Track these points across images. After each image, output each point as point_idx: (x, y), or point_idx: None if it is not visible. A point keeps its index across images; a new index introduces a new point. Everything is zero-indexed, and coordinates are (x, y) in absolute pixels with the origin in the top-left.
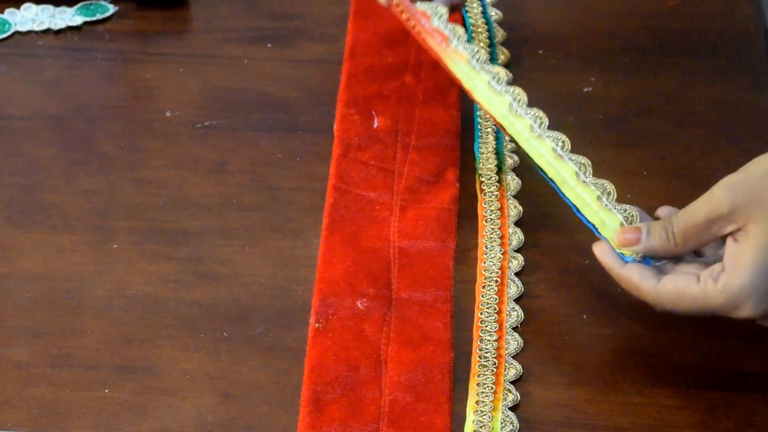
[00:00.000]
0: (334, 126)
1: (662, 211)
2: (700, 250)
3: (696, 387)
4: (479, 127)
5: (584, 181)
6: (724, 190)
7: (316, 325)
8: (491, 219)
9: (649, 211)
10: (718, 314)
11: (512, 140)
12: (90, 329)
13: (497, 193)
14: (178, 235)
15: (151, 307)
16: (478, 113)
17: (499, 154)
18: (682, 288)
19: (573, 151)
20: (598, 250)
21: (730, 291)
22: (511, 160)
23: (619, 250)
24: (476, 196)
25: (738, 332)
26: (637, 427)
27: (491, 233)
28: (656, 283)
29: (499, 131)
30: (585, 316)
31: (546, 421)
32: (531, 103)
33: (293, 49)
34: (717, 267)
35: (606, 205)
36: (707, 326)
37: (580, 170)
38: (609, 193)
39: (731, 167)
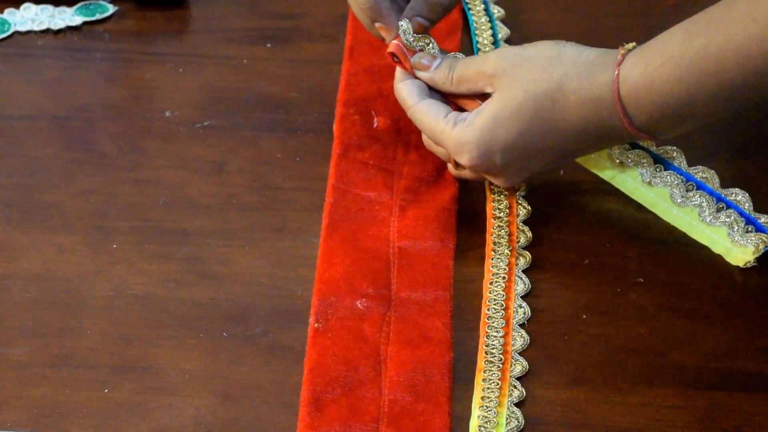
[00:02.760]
0: (334, 126)
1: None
2: None
3: (696, 387)
4: None
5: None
6: (496, 55)
7: (316, 325)
8: (500, 217)
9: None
10: (448, 150)
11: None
12: (90, 329)
13: (506, 192)
14: (178, 235)
15: (151, 307)
16: None
17: None
18: (433, 114)
19: None
20: (400, 84)
21: (458, 138)
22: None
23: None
24: (476, 196)
25: (738, 332)
26: (637, 427)
27: (499, 230)
28: (419, 100)
29: None
30: (585, 316)
31: (546, 420)
32: None
33: (293, 49)
34: (464, 115)
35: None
36: (707, 326)
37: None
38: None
39: (731, 167)
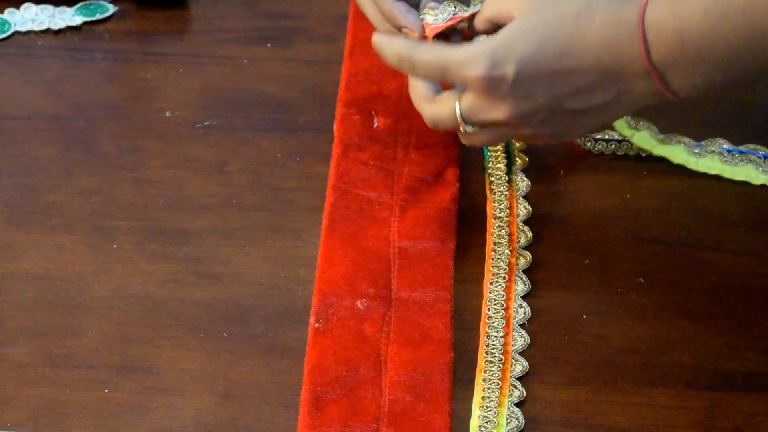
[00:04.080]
0: (334, 126)
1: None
2: None
3: (696, 387)
4: None
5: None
6: None
7: (316, 325)
8: (500, 217)
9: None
10: (456, 75)
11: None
12: (90, 329)
13: (507, 192)
14: (178, 235)
15: (151, 307)
16: None
17: (508, 153)
18: (439, 47)
19: (573, 150)
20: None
21: (469, 51)
22: (520, 161)
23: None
24: (476, 196)
25: (738, 332)
26: (637, 427)
27: (500, 230)
28: (418, 44)
29: None
30: (585, 316)
31: (546, 420)
32: None
33: (293, 49)
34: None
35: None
36: (707, 326)
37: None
38: None
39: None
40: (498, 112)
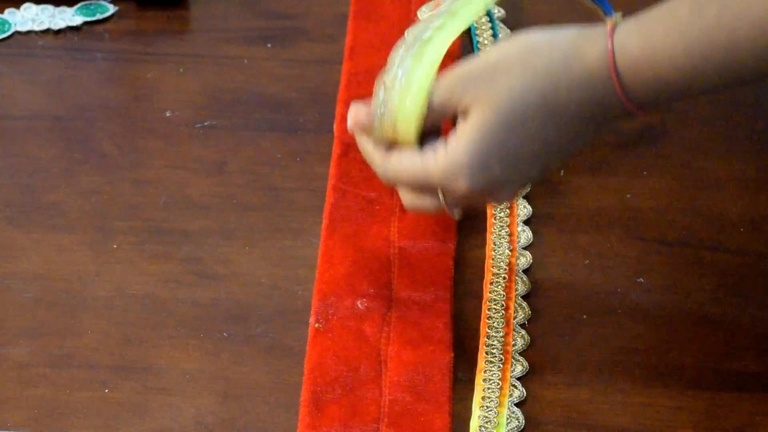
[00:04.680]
0: (334, 126)
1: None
2: None
3: (696, 387)
4: None
5: None
6: (461, 71)
7: (316, 325)
8: (500, 217)
9: (646, 213)
10: (440, 186)
11: None
12: (90, 329)
13: None
14: (178, 235)
15: (151, 307)
16: None
17: None
18: (407, 159)
19: None
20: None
21: (447, 162)
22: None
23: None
24: None
25: (738, 332)
26: (637, 427)
27: (500, 230)
28: (385, 152)
29: None
30: (585, 316)
31: (546, 420)
32: None
33: (293, 49)
34: (441, 141)
35: None
36: (707, 326)
37: None
38: None
39: (731, 166)
40: (493, 197)
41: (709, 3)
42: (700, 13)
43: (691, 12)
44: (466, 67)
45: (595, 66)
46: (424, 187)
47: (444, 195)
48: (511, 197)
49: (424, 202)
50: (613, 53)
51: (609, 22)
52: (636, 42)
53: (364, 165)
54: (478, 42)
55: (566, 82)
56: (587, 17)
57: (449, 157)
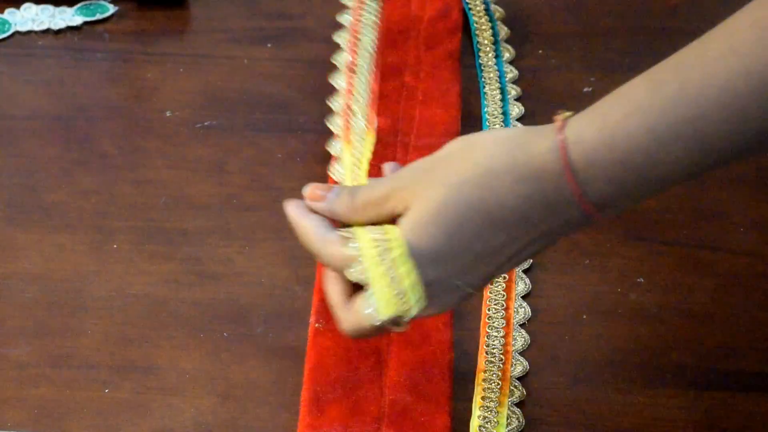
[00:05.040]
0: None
1: (387, 167)
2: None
3: (696, 387)
4: (488, 125)
5: None
6: (404, 169)
7: (316, 325)
8: None
9: (646, 213)
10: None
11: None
12: (90, 329)
13: None
14: (178, 235)
15: (151, 307)
16: (485, 110)
17: None
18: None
19: None
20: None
21: None
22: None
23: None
24: None
25: (738, 332)
26: (638, 427)
27: None
28: (325, 233)
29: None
30: (585, 316)
31: (546, 420)
32: (531, 103)
33: (293, 49)
34: None
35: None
36: (707, 326)
37: None
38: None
39: (731, 166)
40: (432, 278)
41: (668, 80)
42: (660, 90)
43: (649, 90)
44: (415, 162)
45: (545, 159)
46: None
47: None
48: (449, 306)
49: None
50: (565, 143)
51: (557, 118)
52: (592, 129)
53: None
54: (478, 42)
55: (510, 176)
56: (587, 16)
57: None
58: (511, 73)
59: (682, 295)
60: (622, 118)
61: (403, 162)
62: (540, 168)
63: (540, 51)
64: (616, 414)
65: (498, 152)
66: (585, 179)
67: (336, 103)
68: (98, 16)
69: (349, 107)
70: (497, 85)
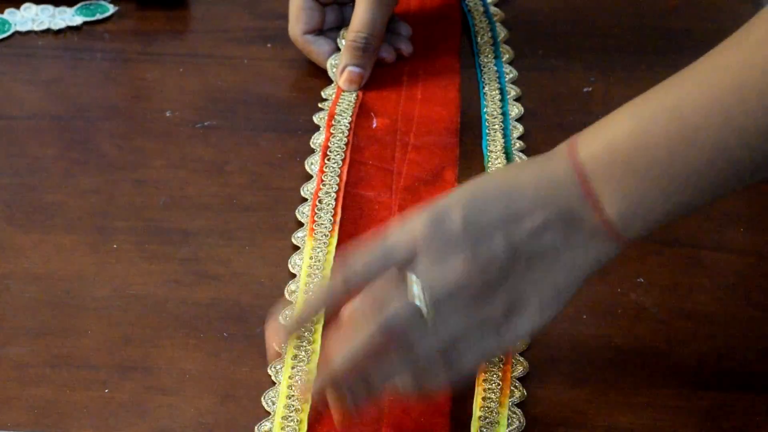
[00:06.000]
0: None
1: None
2: None
3: (696, 387)
4: (486, 125)
5: None
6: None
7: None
8: None
9: None
10: (391, 247)
11: None
12: (90, 329)
13: None
14: (178, 235)
15: (151, 307)
16: (484, 110)
17: (507, 153)
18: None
19: None
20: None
21: (405, 221)
22: (519, 161)
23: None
24: None
25: (738, 332)
26: (638, 427)
27: None
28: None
29: (507, 129)
30: (585, 316)
31: (546, 420)
32: (531, 103)
33: (293, 49)
34: None
35: None
36: (707, 326)
37: None
38: None
39: None
40: (455, 265)
41: (654, 97)
42: (659, 103)
43: (650, 100)
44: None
45: (562, 174)
46: (383, 263)
47: (414, 277)
48: (482, 280)
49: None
50: (577, 155)
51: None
52: (599, 144)
53: (362, 165)
54: (477, 43)
55: (530, 188)
56: (586, 16)
57: (411, 214)
58: (511, 73)
59: (682, 295)
60: (627, 132)
61: (402, 161)
62: (557, 181)
63: (540, 51)
64: (617, 414)
65: (515, 168)
66: (601, 190)
67: (307, 189)
68: (98, 16)
69: (318, 197)
70: (497, 85)
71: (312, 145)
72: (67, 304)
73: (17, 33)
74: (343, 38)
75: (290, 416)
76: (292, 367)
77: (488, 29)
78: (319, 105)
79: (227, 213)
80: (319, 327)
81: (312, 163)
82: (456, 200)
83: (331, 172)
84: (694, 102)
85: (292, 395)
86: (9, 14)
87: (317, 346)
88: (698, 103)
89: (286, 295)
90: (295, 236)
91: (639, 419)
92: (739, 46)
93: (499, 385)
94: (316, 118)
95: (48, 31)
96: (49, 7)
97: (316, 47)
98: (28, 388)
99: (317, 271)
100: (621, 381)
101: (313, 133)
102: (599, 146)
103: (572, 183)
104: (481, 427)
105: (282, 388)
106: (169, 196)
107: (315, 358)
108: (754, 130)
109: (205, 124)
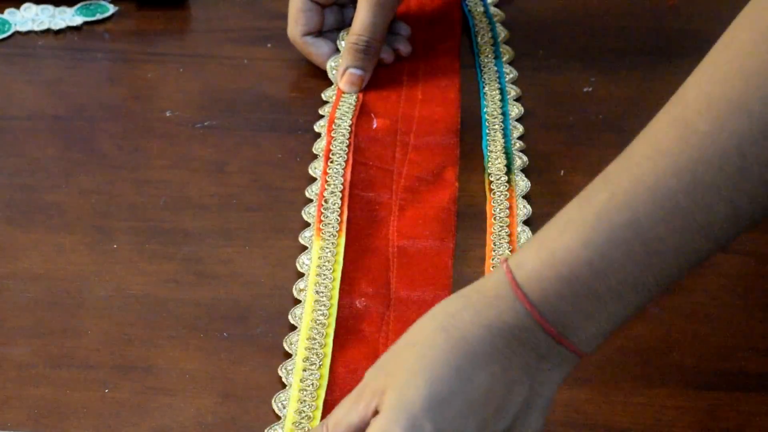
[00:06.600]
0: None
1: None
2: None
3: (696, 387)
4: (486, 125)
5: None
6: (369, 372)
7: None
8: (500, 217)
9: None
10: None
11: None
12: (90, 329)
13: (506, 193)
14: (178, 235)
15: (151, 307)
16: (485, 110)
17: (508, 153)
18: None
19: (573, 150)
20: None
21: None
22: (519, 161)
23: None
24: (476, 196)
25: (738, 332)
26: (637, 427)
27: (500, 231)
28: None
29: (507, 129)
30: None
31: (547, 420)
32: (531, 103)
33: (293, 50)
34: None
35: None
36: (707, 326)
37: None
38: None
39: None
40: None
41: (596, 193)
42: (590, 202)
43: (579, 206)
44: (377, 363)
45: (496, 288)
46: None
47: None
48: None
49: None
50: (510, 270)
51: (502, 259)
52: (531, 252)
53: (361, 165)
54: (477, 43)
55: (468, 312)
56: (586, 16)
57: (379, 421)
58: (511, 73)
59: (682, 295)
60: (557, 235)
61: (402, 161)
62: (493, 296)
63: (540, 51)
64: (616, 414)
65: (453, 299)
66: (537, 300)
67: (311, 190)
68: (98, 16)
69: (323, 197)
70: (497, 85)
71: (315, 151)
72: (66, 304)
73: (17, 33)
74: (343, 40)
75: (301, 423)
76: (304, 370)
77: (488, 29)
78: (320, 111)
79: (227, 213)
80: (330, 331)
81: (315, 168)
82: (421, 406)
83: (335, 173)
84: (649, 215)
85: (304, 400)
86: (9, 14)
87: (328, 349)
88: (656, 216)
89: (294, 294)
90: (302, 236)
91: (639, 419)
92: (647, 139)
93: None
94: (317, 127)
95: (48, 31)
96: (49, 7)
97: (315, 49)
98: (28, 388)
99: (326, 271)
100: (621, 381)
101: (314, 133)
102: (554, 287)
103: (533, 330)
104: None
105: (293, 392)
106: (169, 196)
107: (327, 362)
108: (717, 221)
109: (205, 124)
